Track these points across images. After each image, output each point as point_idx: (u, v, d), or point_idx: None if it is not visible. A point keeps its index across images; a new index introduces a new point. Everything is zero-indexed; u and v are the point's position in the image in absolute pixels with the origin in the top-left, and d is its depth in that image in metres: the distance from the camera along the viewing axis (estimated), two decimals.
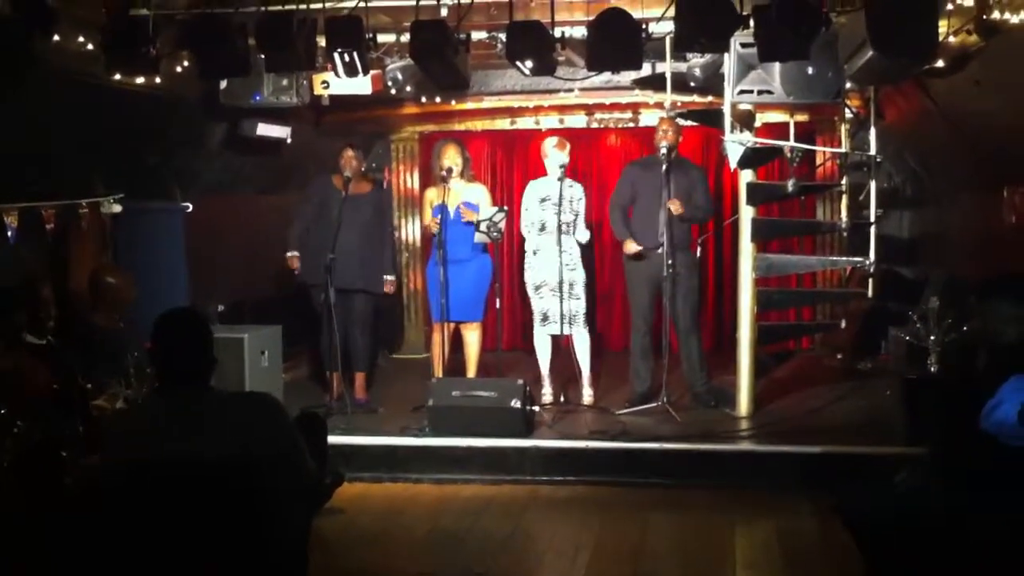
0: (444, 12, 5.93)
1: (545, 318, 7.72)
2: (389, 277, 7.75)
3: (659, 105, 8.28)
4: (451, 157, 7.70)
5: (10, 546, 3.99)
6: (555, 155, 7.62)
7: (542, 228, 7.68)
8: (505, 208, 7.80)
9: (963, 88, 6.32)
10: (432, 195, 7.80)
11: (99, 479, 3.71)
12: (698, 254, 7.70)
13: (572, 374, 7.75)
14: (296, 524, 3.86)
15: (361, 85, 6.97)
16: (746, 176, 7.21)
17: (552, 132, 9.05)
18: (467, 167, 7.83)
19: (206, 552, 3.44)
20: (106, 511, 3.54)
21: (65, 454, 4.50)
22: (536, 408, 7.25)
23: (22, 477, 4.38)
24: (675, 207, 7.28)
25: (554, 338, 7.73)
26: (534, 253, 7.75)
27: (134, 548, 3.45)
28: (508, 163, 10.36)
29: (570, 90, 8.58)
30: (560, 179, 7.55)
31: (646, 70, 7.22)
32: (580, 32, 6.21)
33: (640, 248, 7.47)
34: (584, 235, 7.70)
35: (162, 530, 3.43)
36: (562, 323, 7.56)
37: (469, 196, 7.73)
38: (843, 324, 8.25)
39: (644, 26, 5.68)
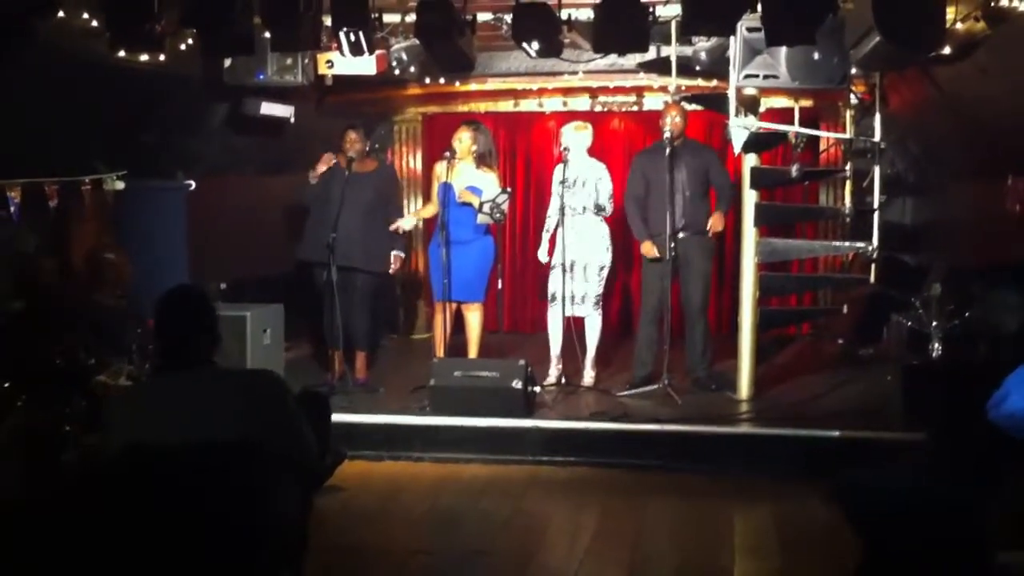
0: None
1: (554, 298, 7.74)
2: (397, 253, 7.76)
3: (664, 89, 8.26)
4: (458, 140, 7.70)
5: (10, 522, 4.00)
6: (565, 139, 7.72)
7: (560, 210, 7.68)
8: (508, 190, 7.80)
9: (969, 76, 6.31)
10: (440, 170, 7.80)
11: (100, 458, 3.71)
12: (713, 239, 7.72)
13: (577, 355, 7.77)
14: (297, 501, 3.87)
15: (365, 65, 6.96)
16: (750, 161, 7.20)
17: (556, 115, 9.05)
18: (483, 154, 7.78)
19: (207, 529, 3.45)
20: (107, 490, 3.55)
21: (68, 429, 4.52)
22: (537, 389, 7.26)
23: (26, 452, 4.40)
24: (719, 224, 7.40)
25: (566, 319, 7.74)
26: (550, 230, 7.82)
27: (134, 526, 3.47)
28: (511, 145, 10.33)
29: (574, 73, 8.54)
30: (565, 162, 7.56)
31: (651, 53, 7.21)
32: (586, 14, 6.19)
33: (656, 254, 7.51)
34: (595, 207, 7.70)
35: (163, 508, 3.44)
36: (565, 304, 7.58)
37: (475, 181, 7.72)
38: (845, 310, 8.25)
39: (651, 9, 5.67)
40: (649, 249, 7.56)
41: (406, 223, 7.96)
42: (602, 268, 7.75)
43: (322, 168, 7.45)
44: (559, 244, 7.67)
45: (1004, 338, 4.26)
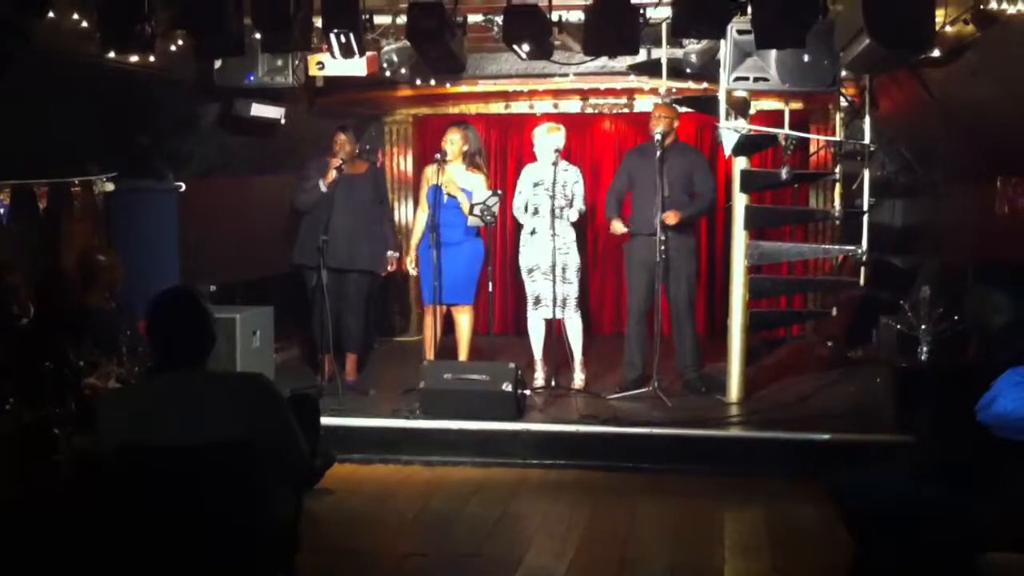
0: None
1: (537, 301, 7.75)
2: (392, 254, 7.77)
3: (654, 91, 8.27)
4: (450, 141, 7.70)
5: (6, 521, 3.99)
6: (547, 140, 7.66)
7: (535, 212, 7.71)
8: (499, 192, 7.79)
9: (958, 78, 6.33)
10: (429, 173, 7.81)
11: (94, 458, 3.71)
12: (695, 240, 7.74)
13: (564, 358, 7.78)
14: (287, 505, 3.87)
15: (356, 67, 6.94)
16: (740, 163, 7.21)
17: (547, 117, 9.05)
18: (473, 154, 7.81)
19: (199, 531, 3.45)
20: (100, 491, 3.54)
21: (57, 432, 4.50)
22: (527, 392, 7.26)
23: (14, 455, 4.39)
24: (671, 219, 7.33)
25: (547, 322, 7.75)
26: (531, 234, 7.79)
27: (126, 527, 3.46)
28: (502, 147, 10.35)
29: (565, 75, 8.55)
30: (554, 163, 7.56)
31: (642, 56, 7.21)
32: (577, 16, 6.20)
33: (623, 230, 7.64)
34: (572, 215, 7.70)
35: (155, 510, 3.44)
36: (554, 307, 7.59)
37: (465, 182, 7.72)
38: (834, 312, 8.26)
39: (641, 11, 5.68)
40: (617, 227, 7.65)
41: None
42: (578, 269, 7.80)
43: (333, 175, 7.44)
44: (540, 247, 7.68)
45: (991, 338, 4.27)
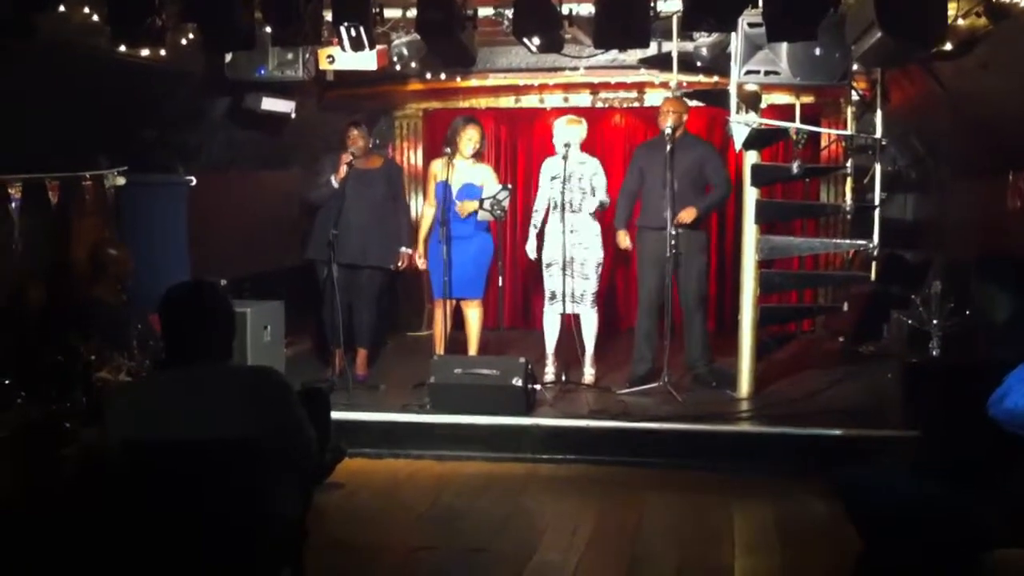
0: None
1: (553, 296, 7.74)
2: (405, 250, 7.76)
3: (665, 85, 8.25)
4: (469, 138, 7.65)
5: (11, 517, 4.00)
6: (565, 132, 7.65)
7: (555, 206, 7.68)
8: (509, 186, 7.79)
9: (970, 72, 6.29)
10: (436, 169, 7.80)
11: (104, 451, 3.71)
12: (706, 235, 7.73)
13: (576, 353, 7.76)
14: (296, 498, 3.87)
15: (366, 60, 6.93)
16: (751, 157, 7.19)
17: (557, 111, 9.04)
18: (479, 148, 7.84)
19: (207, 526, 3.45)
20: (106, 486, 3.54)
21: (68, 425, 4.52)
22: (537, 386, 7.25)
23: (24, 448, 4.40)
24: (687, 217, 7.33)
25: (561, 317, 7.74)
26: (547, 228, 7.80)
27: (133, 522, 3.46)
28: (511, 141, 10.34)
29: (575, 68, 8.54)
30: (564, 157, 7.55)
31: (652, 49, 7.19)
32: (587, 9, 6.19)
33: (628, 246, 7.72)
34: (591, 205, 7.64)
35: (163, 505, 3.44)
36: (565, 301, 7.58)
37: (473, 176, 7.72)
38: (845, 307, 8.24)
39: (652, 4, 5.66)
40: (623, 239, 7.71)
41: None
42: (598, 265, 7.75)
43: (344, 170, 7.44)
44: (555, 241, 7.66)
45: (997, 330, 4.26)
